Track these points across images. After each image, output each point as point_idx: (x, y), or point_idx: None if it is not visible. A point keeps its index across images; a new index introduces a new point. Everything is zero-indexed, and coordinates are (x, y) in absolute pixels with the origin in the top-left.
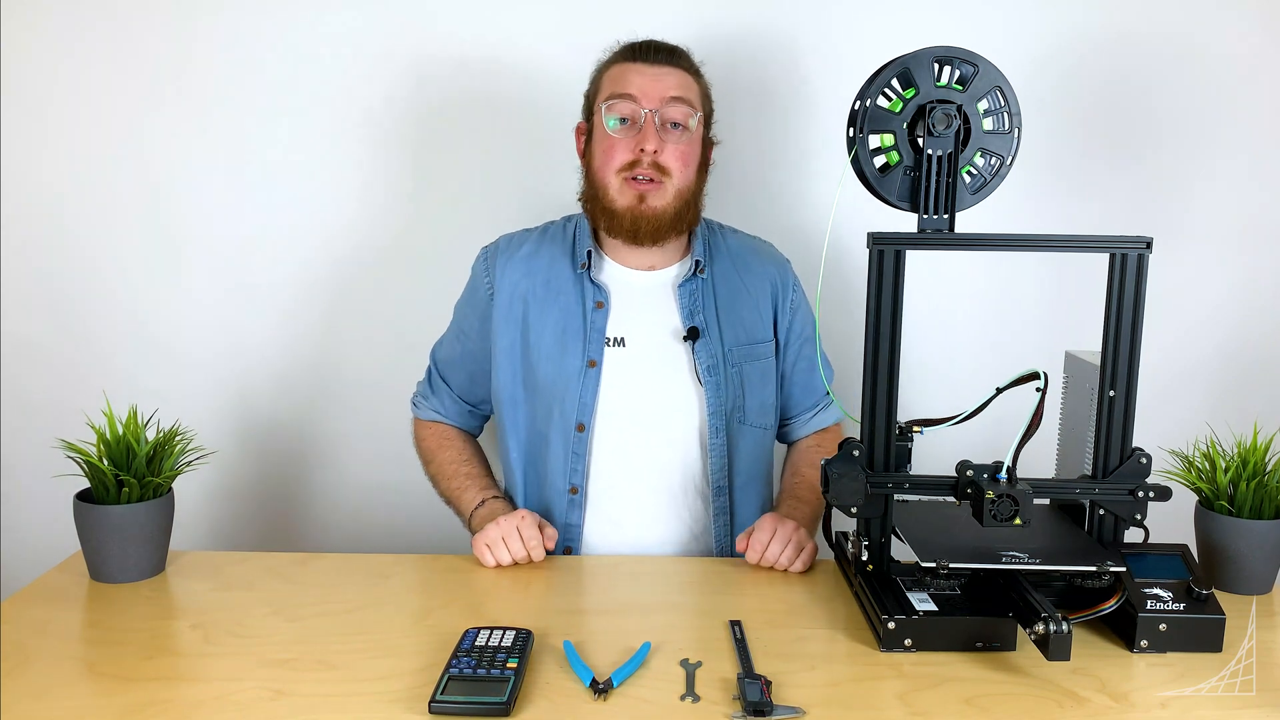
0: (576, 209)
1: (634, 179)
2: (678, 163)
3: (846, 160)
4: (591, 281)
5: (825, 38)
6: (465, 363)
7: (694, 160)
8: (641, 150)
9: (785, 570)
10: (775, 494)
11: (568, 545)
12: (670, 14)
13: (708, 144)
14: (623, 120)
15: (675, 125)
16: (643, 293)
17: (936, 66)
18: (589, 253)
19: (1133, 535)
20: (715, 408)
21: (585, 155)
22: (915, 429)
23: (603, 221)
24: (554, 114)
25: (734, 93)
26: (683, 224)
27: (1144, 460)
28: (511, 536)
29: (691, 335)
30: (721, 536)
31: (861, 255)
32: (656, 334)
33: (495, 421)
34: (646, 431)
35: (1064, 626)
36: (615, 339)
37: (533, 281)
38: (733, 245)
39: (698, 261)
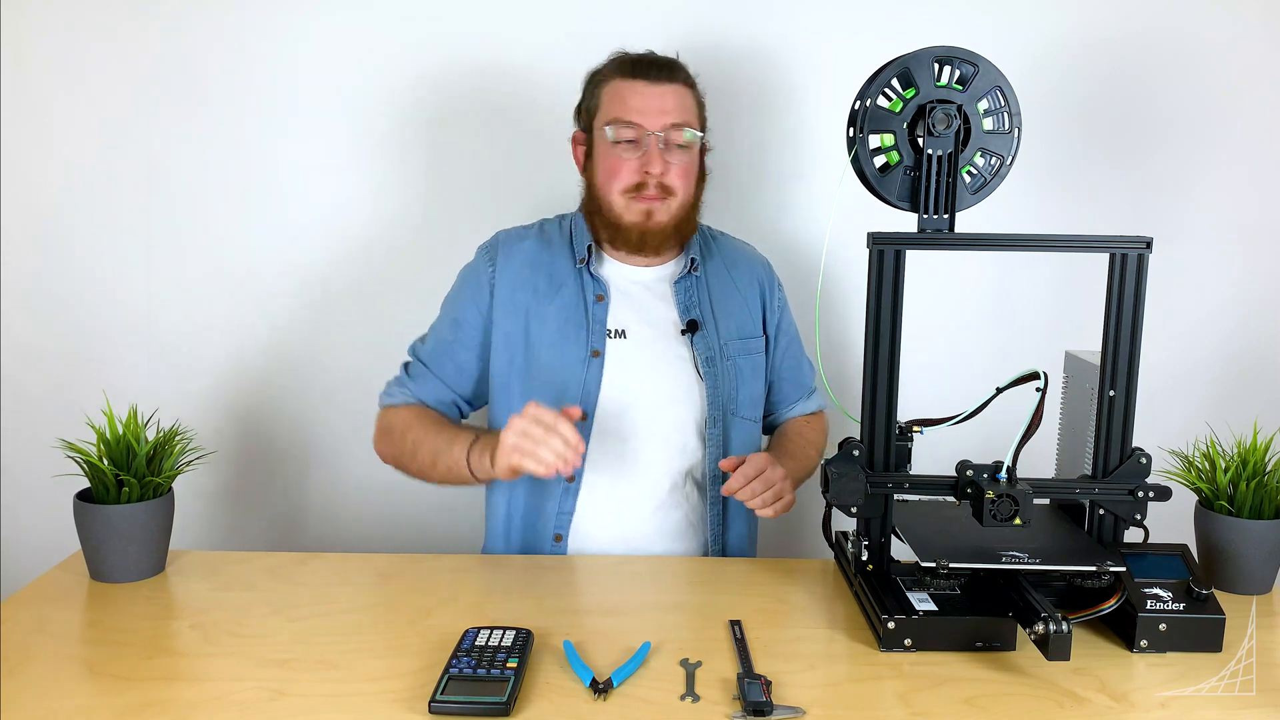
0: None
1: (640, 198)
2: (681, 181)
3: (847, 160)
4: (592, 276)
5: (826, 38)
6: (456, 351)
7: (694, 174)
8: (647, 173)
9: (753, 509)
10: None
11: (558, 532)
12: (663, 12)
13: (703, 151)
14: (626, 141)
15: (678, 145)
16: (641, 288)
17: (936, 66)
18: (589, 248)
19: (1133, 535)
20: (714, 399)
21: (586, 169)
22: (915, 429)
23: (606, 234)
24: (559, 116)
25: (733, 95)
26: (683, 234)
27: (1144, 460)
28: (536, 433)
29: (691, 328)
30: (715, 525)
31: (857, 257)
32: (656, 328)
33: (486, 412)
34: (647, 421)
35: (1064, 626)
36: (616, 331)
37: (536, 274)
38: (723, 246)
39: (693, 259)
